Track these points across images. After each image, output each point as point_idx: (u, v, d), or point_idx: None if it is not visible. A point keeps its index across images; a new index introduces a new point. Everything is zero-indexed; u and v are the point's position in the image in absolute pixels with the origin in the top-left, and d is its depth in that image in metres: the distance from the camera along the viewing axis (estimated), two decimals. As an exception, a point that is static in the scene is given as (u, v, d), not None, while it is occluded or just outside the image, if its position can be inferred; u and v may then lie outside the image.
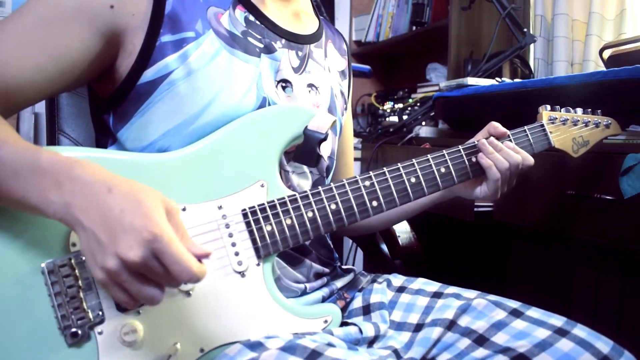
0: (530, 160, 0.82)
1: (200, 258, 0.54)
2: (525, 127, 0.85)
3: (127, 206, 0.52)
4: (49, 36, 0.65)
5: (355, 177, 0.73)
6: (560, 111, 0.89)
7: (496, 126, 0.83)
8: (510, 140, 0.83)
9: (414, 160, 0.76)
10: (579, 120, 0.89)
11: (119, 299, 0.55)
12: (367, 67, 2.21)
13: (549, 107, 0.88)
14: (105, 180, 0.55)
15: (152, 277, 0.53)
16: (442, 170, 0.78)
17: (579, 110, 0.90)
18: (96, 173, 0.55)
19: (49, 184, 0.55)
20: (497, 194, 0.82)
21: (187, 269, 0.51)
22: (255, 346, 0.63)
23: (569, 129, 0.88)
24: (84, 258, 0.61)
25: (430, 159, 0.77)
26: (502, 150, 0.80)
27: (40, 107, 1.94)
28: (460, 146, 0.80)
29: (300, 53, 0.83)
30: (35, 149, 0.58)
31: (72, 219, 0.54)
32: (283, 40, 0.81)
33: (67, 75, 0.67)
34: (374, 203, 0.73)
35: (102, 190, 0.54)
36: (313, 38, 0.87)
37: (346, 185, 0.72)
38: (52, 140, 1.01)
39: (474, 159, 0.80)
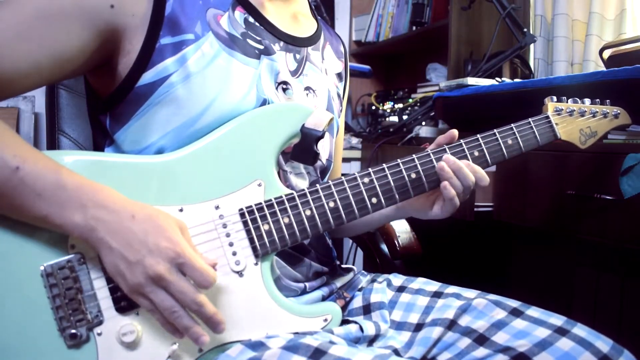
0: (486, 180, 0.77)
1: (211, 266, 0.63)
2: (530, 119, 0.82)
3: (150, 230, 0.60)
4: (47, 31, 0.64)
5: (354, 174, 0.73)
6: (567, 102, 0.87)
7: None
8: (515, 137, 0.80)
9: (414, 155, 0.75)
10: (586, 111, 0.87)
11: (147, 307, 0.62)
12: (367, 67, 2.21)
13: (555, 98, 0.86)
14: (127, 207, 0.61)
15: (172, 289, 0.60)
16: None
17: (587, 101, 0.88)
18: (118, 200, 0.62)
19: (73, 207, 0.60)
20: (450, 213, 0.79)
21: (207, 275, 0.60)
22: (257, 346, 0.63)
23: (575, 120, 0.86)
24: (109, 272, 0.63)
25: (431, 154, 0.76)
26: (459, 170, 0.75)
27: (40, 107, 1.95)
28: (462, 140, 0.79)
29: (297, 56, 0.83)
30: (56, 169, 0.61)
31: (98, 241, 0.60)
32: (281, 43, 0.80)
33: (60, 70, 0.67)
34: (374, 200, 0.73)
35: (127, 217, 0.60)
36: (311, 41, 0.87)
37: (345, 182, 0.72)
38: (52, 140, 1.01)
39: (476, 153, 0.78)
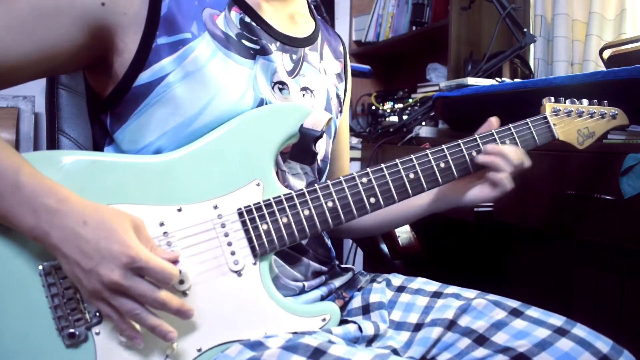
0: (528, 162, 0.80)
1: (173, 261, 0.63)
2: (528, 120, 0.82)
3: (102, 235, 0.59)
4: (39, 27, 0.65)
5: (353, 173, 0.72)
6: (565, 102, 0.87)
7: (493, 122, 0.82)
8: (513, 138, 0.81)
9: (412, 155, 0.75)
10: (583, 112, 0.87)
11: (105, 312, 0.61)
12: (367, 67, 2.20)
13: (552, 98, 0.86)
14: (80, 211, 0.60)
15: (131, 293, 0.59)
16: (442, 165, 0.77)
17: (585, 102, 0.88)
18: (71, 204, 0.60)
19: (27, 210, 0.59)
20: (499, 193, 0.79)
21: (166, 272, 0.59)
22: (256, 345, 0.63)
23: (573, 121, 0.86)
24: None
25: (429, 154, 0.76)
26: (500, 154, 0.77)
27: (40, 107, 1.95)
28: (460, 140, 0.79)
29: (294, 56, 0.82)
30: (17, 167, 0.61)
31: (51, 247, 0.60)
32: (278, 43, 0.80)
33: (51, 64, 0.68)
34: (372, 200, 0.73)
35: (79, 223, 0.59)
36: (308, 41, 0.86)
37: (343, 182, 0.72)
38: (52, 140, 1.01)
39: (474, 153, 0.78)
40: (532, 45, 1.72)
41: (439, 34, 1.99)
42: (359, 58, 2.60)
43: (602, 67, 1.32)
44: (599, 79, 1.03)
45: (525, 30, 1.57)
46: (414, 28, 2.20)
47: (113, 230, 0.59)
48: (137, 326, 0.62)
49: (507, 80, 1.46)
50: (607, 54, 1.25)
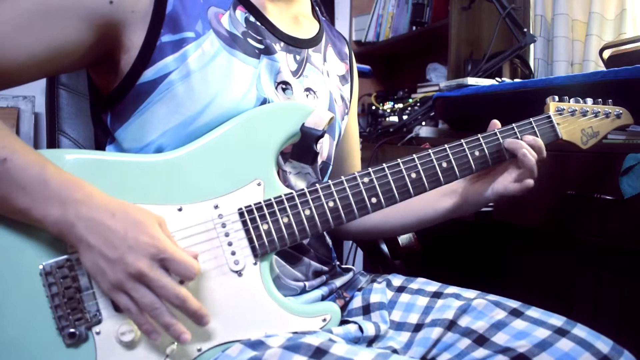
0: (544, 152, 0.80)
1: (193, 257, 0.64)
2: (531, 119, 0.82)
3: (130, 226, 0.60)
4: (46, 26, 0.65)
5: (354, 173, 0.72)
6: (569, 102, 0.86)
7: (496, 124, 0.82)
8: (516, 137, 0.80)
9: (414, 155, 0.75)
10: (588, 111, 0.86)
11: (125, 305, 0.61)
12: (367, 67, 2.20)
13: (556, 97, 0.86)
14: (107, 205, 0.61)
15: (153, 285, 0.60)
16: (444, 165, 0.76)
17: (589, 101, 0.87)
18: (98, 198, 0.62)
19: (54, 203, 0.60)
20: (527, 185, 0.80)
21: (190, 266, 0.61)
22: (257, 345, 0.63)
23: (577, 120, 0.85)
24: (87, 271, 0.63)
25: (432, 154, 0.76)
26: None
27: (40, 107, 1.95)
28: (462, 140, 0.78)
29: (298, 57, 0.83)
30: (43, 163, 0.61)
31: (76, 238, 0.60)
32: (282, 43, 0.80)
33: (59, 63, 0.68)
34: (373, 200, 0.72)
35: (107, 216, 0.60)
36: (312, 42, 0.86)
37: (344, 182, 0.71)
38: (52, 140, 1.01)
39: (477, 153, 0.78)
40: (532, 45, 1.72)
41: (439, 34, 1.99)
42: (359, 58, 2.56)
43: (602, 67, 1.32)
44: (599, 79, 1.03)
45: (525, 30, 1.57)
46: (414, 28, 2.20)
47: (140, 223, 0.60)
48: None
49: (507, 80, 1.45)
50: (607, 54, 1.25)
